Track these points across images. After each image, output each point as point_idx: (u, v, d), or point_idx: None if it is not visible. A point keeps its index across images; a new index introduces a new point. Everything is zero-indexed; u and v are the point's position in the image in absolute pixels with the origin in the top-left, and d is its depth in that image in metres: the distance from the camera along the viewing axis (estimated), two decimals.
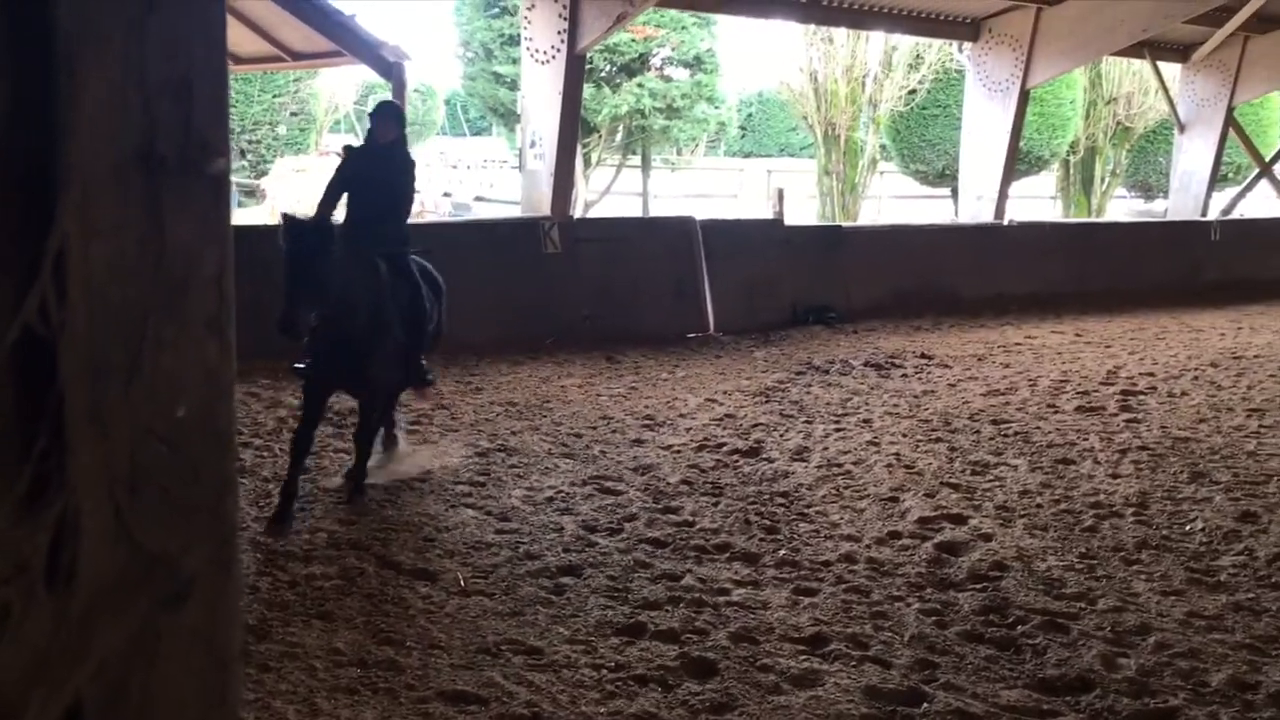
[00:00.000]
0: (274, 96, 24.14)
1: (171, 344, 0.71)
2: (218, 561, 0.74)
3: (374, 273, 5.74)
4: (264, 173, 23.85)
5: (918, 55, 21.70)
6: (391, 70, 10.95)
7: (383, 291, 5.75)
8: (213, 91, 0.73)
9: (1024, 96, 14.98)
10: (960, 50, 16.92)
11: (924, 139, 22.92)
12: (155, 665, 0.71)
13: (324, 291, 5.18)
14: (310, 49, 12.89)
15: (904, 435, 7.53)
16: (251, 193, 23.54)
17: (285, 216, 5.31)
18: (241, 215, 21.09)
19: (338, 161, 6.33)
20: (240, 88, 22.95)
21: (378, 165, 6.07)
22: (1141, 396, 8.91)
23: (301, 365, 5.76)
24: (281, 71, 20.74)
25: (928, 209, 27.08)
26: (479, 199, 25.54)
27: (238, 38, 12.98)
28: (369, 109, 6.57)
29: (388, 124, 6.16)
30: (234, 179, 21.72)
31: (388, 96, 11.72)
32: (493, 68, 21.11)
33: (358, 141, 6.59)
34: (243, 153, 23.58)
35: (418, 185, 6.77)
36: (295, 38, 12.68)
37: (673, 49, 21.52)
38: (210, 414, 0.74)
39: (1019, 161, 17.58)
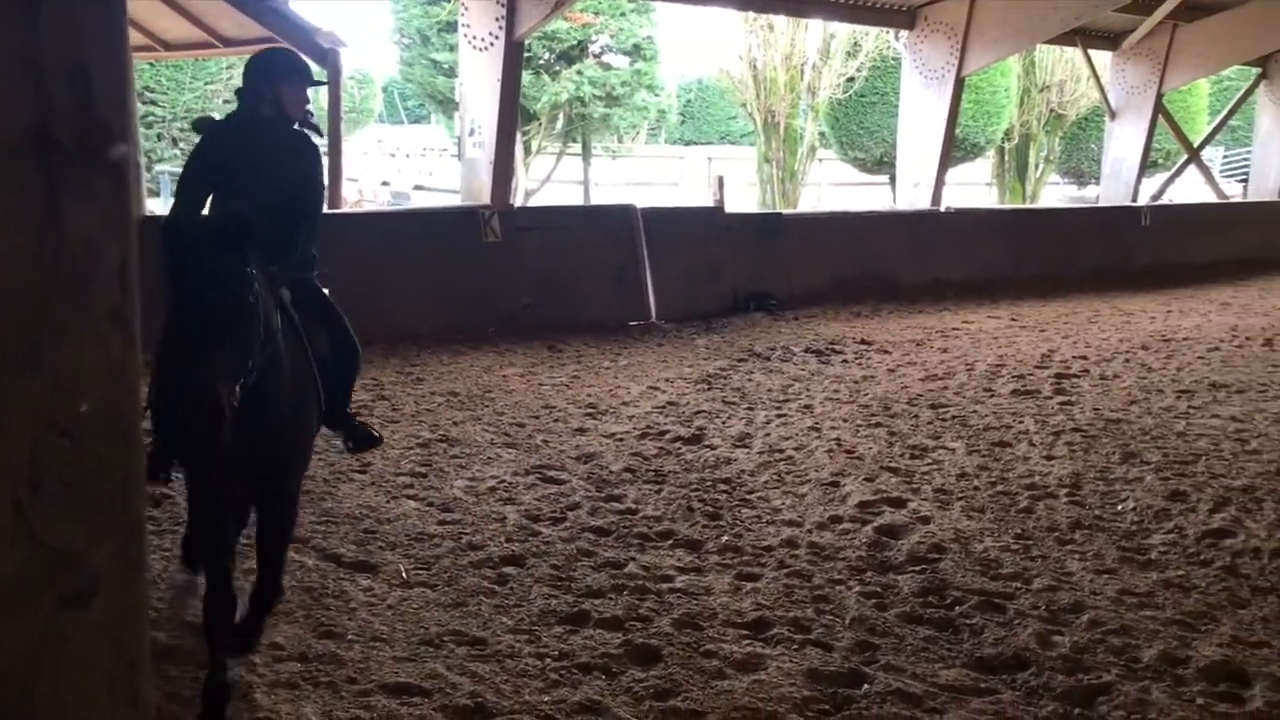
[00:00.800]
0: (206, 84, 23.66)
1: (73, 336, 0.69)
2: (125, 558, 0.72)
3: (283, 313, 3.67)
4: None
5: (855, 43, 21.85)
6: (326, 57, 10.78)
7: (301, 341, 3.78)
8: (113, 76, 0.70)
9: (959, 84, 15.16)
10: (897, 38, 17.08)
11: (862, 126, 23.10)
12: (62, 667, 0.69)
13: (251, 347, 3.19)
14: (242, 35, 12.62)
15: (844, 420, 7.60)
16: None
17: (172, 223, 3.37)
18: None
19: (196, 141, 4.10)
20: (171, 75, 22.48)
21: (266, 149, 4.00)
22: (1075, 379, 9.08)
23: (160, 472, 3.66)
24: (213, 58, 20.33)
25: (866, 196, 27.32)
26: (418, 188, 25.31)
27: (167, 23, 12.69)
28: (250, 63, 4.14)
29: (299, 87, 4.07)
30: (165, 168, 21.32)
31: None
32: (430, 55, 20.91)
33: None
34: (174, 141, 23.10)
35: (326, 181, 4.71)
36: (227, 24, 12.42)
37: (611, 36, 21.47)
38: (115, 408, 0.71)
39: (955, 148, 17.77)
